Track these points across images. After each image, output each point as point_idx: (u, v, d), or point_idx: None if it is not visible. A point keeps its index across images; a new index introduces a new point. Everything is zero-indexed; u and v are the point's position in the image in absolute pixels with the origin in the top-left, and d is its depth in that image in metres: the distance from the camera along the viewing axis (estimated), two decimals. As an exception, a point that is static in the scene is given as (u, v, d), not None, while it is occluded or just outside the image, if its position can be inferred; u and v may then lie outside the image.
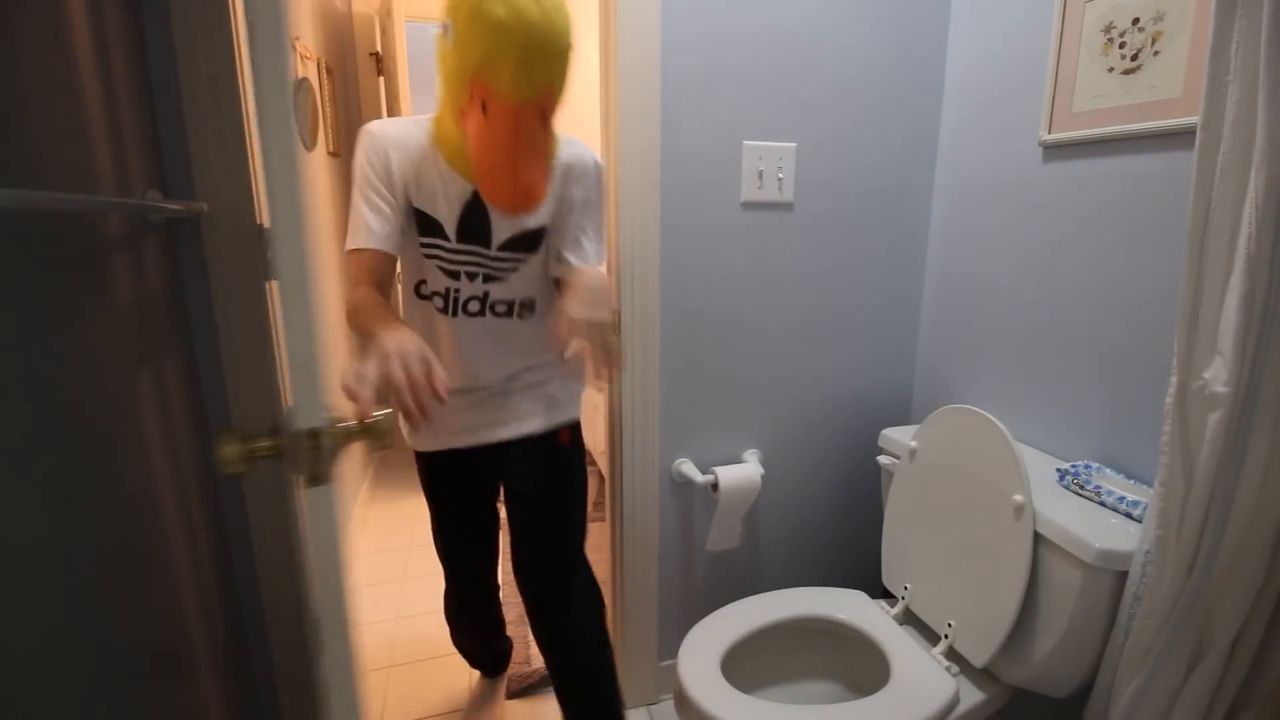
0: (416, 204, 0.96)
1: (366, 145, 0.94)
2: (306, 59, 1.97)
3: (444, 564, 1.30)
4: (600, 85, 1.32)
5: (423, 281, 1.03)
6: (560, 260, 1.01)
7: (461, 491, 1.20)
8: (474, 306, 1.02)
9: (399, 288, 1.16)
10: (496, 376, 1.07)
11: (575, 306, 0.80)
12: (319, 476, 0.53)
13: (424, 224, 0.97)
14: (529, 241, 1.00)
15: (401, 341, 0.69)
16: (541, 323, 1.07)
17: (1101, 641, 0.95)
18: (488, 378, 1.07)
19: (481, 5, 0.74)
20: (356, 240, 0.92)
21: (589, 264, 0.99)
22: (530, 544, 1.14)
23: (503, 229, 0.98)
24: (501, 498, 1.21)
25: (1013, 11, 1.24)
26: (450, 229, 0.97)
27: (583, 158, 1.01)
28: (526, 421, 1.09)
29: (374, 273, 0.92)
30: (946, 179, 1.43)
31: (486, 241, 0.98)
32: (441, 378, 0.69)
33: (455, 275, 1.00)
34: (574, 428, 1.16)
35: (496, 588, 1.38)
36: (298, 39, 1.89)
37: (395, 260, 0.96)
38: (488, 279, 1.00)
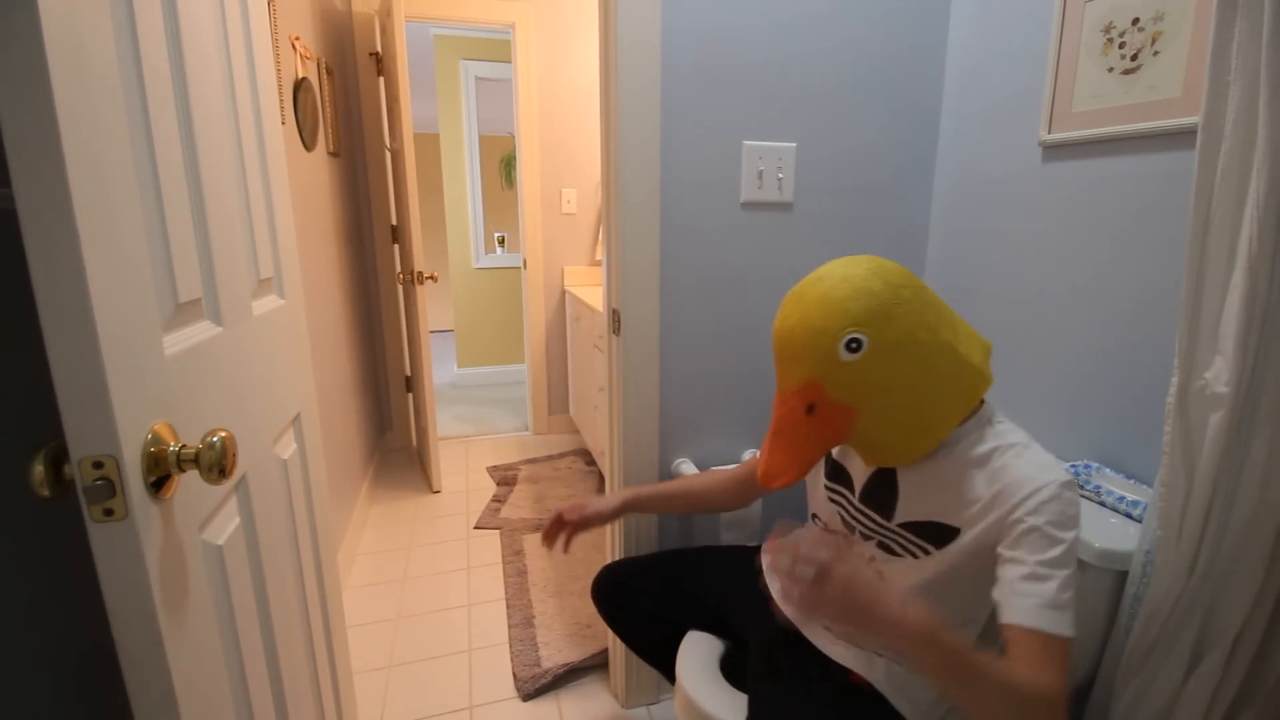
0: (834, 455, 1.00)
1: None
2: (306, 59, 1.97)
3: None
4: (600, 86, 1.32)
5: (815, 515, 1.04)
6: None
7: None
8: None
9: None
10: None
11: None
12: (111, 511, 0.48)
13: (836, 472, 0.99)
14: (933, 533, 0.86)
15: None
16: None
17: (1101, 641, 0.95)
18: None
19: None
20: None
21: (1017, 620, 0.72)
22: None
23: (908, 509, 0.89)
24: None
25: (1012, 11, 1.24)
26: (857, 489, 0.95)
27: (1036, 480, 0.76)
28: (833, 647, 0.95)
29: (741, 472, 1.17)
30: (946, 179, 1.43)
31: (888, 513, 0.90)
32: None
33: (852, 530, 0.96)
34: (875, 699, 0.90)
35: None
36: (298, 39, 1.88)
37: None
38: (890, 552, 0.91)
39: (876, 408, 0.81)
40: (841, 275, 0.82)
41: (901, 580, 0.89)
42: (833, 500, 0.99)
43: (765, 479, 0.85)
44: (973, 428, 0.84)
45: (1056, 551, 0.73)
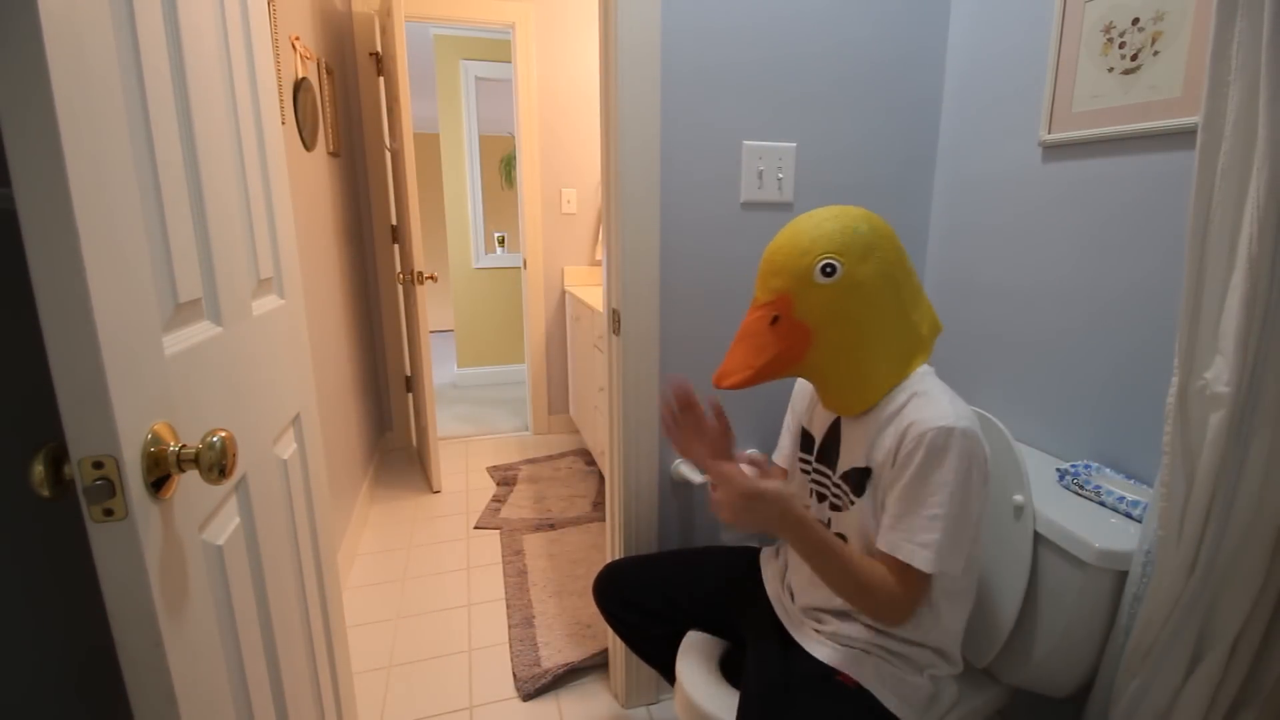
0: (803, 423, 1.08)
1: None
2: (306, 59, 1.97)
3: None
4: (600, 86, 1.32)
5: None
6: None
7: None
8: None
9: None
10: (808, 603, 1.01)
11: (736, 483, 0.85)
12: (111, 511, 0.48)
13: (804, 440, 1.07)
14: (855, 479, 0.93)
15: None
16: None
17: (1101, 641, 0.95)
18: (804, 601, 1.02)
19: None
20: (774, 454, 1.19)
21: (890, 552, 0.84)
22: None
23: (846, 459, 0.96)
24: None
25: (1012, 11, 1.24)
26: (815, 447, 1.04)
27: (921, 423, 0.84)
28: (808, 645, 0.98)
29: None
30: (946, 179, 1.43)
31: (833, 465, 0.99)
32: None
33: (811, 494, 1.04)
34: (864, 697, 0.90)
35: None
36: (298, 39, 1.88)
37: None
38: (833, 507, 0.99)
39: (829, 340, 0.89)
40: (835, 213, 0.91)
41: (844, 529, 0.97)
42: (803, 470, 1.07)
43: (718, 378, 0.94)
44: (902, 384, 0.92)
45: (925, 491, 0.82)
